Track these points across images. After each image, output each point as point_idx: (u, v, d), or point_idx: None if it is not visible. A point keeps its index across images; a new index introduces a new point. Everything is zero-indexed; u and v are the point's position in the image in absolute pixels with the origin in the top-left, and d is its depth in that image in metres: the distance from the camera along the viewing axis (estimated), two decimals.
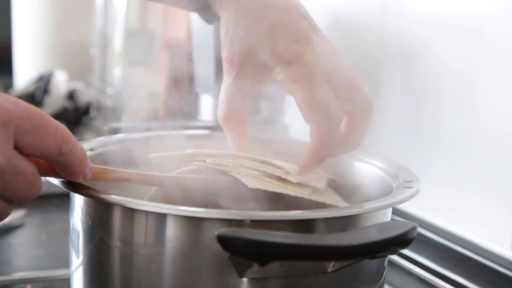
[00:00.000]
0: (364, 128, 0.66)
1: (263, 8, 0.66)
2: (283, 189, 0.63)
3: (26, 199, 0.53)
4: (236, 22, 0.67)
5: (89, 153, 0.68)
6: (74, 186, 0.58)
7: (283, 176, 0.64)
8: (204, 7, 0.71)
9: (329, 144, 0.64)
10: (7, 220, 0.87)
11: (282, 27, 0.65)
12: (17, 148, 0.51)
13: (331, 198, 0.66)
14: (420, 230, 0.87)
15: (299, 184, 0.64)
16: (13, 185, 0.51)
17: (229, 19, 0.67)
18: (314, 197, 0.64)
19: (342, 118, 0.64)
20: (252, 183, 0.63)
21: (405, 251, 0.87)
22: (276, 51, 0.64)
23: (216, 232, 0.49)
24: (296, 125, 1.03)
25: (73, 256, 0.62)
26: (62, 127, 0.54)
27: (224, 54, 0.68)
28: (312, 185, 0.65)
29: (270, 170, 0.64)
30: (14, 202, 0.53)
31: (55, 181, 0.58)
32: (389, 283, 0.82)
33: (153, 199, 0.66)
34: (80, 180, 0.57)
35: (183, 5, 0.75)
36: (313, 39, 0.65)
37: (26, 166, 0.52)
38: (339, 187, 0.69)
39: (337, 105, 0.63)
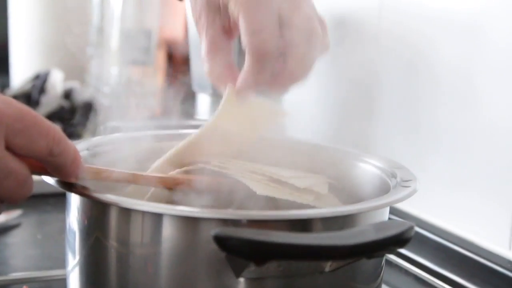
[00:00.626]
0: (305, 55, 0.66)
1: None
2: (289, 196, 0.63)
3: (17, 198, 0.53)
4: None
5: (85, 152, 0.68)
6: (70, 186, 0.58)
7: (289, 181, 0.64)
8: None
9: (262, 69, 0.64)
10: (3, 220, 0.87)
11: None
12: (8, 148, 0.51)
13: (333, 204, 0.66)
14: (418, 229, 0.87)
15: (304, 190, 0.64)
16: (4, 185, 0.51)
17: None
18: (317, 204, 0.64)
19: (278, 45, 0.64)
20: (260, 189, 0.62)
21: (403, 250, 0.87)
22: None
23: (212, 232, 0.49)
24: (294, 124, 1.03)
25: (70, 256, 0.62)
26: (54, 128, 0.53)
27: (194, 17, 0.69)
28: (315, 190, 0.65)
29: (275, 175, 0.64)
30: (5, 201, 0.53)
31: (50, 180, 0.58)
32: (387, 283, 0.81)
33: (153, 198, 0.65)
34: (73, 180, 0.56)
35: None
36: None
37: (17, 166, 0.52)
38: (336, 186, 0.69)
39: (274, 32, 0.64)
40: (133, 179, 0.63)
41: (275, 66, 0.65)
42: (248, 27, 0.63)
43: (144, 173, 0.64)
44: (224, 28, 0.68)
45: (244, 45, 0.64)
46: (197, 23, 0.69)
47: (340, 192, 0.69)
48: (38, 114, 0.53)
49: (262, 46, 0.63)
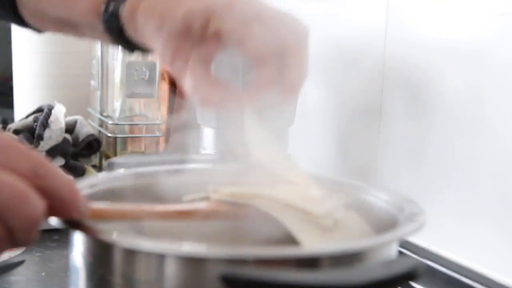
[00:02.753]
0: (297, 64, 0.67)
1: None
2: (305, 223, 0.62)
3: (21, 218, 0.50)
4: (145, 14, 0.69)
5: (89, 190, 0.68)
6: (73, 224, 0.57)
7: (305, 206, 0.63)
8: (120, 37, 0.74)
9: (261, 83, 0.65)
10: (6, 257, 0.87)
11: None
12: None
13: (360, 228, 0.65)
14: (428, 261, 0.86)
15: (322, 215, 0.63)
16: None
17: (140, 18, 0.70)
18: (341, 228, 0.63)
19: (270, 56, 0.65)
20: (280, 215, 0.61)
21: (413, 284, 0.86)
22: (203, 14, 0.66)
23: (220, 272, 0.49)
24: (300, 156, 1.02)
25: None
26: (35, 152, 0.53)
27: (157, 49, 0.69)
28: (334, 216, 0.63)
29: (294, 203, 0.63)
30: (9, 223, 0.50)
31: (55, 219, 0.57)
32: None
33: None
34: (75, 215, 0.55)
35: (98, 37, 0.76)
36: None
37: (7, 178, 0.50)
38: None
39: (264, 43, 0.64)
40: (145, 215, 0.62)
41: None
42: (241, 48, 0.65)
43: (156, 208, 0.63)
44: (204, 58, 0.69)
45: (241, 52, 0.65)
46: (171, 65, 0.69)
47: None
48: (17, 140, 0.52)
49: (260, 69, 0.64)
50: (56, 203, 0.53)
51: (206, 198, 0.65)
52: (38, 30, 0.83)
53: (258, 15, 0.66)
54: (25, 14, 0.80)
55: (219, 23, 0.66)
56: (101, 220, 0.59)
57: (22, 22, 0.82)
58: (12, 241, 0.51)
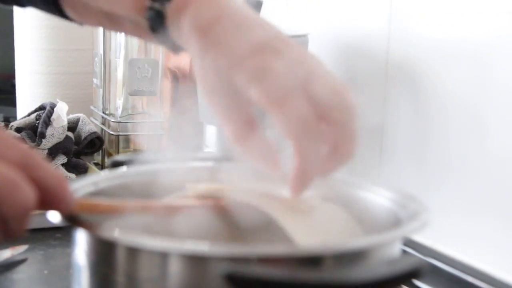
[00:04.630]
0: (352, 136, 0.61)
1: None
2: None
3: (13, 207, 0.50)
4: (201, 54, 0.63)
5: (92, 188, 0.68)
6: (76, 221, 0.57)
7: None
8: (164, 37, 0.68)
9: (314, 161, 0.60)
10: (8, 255, 0.87)
11: (242, 43, 0.61)
12: None
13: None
14: (431, 260, 0.86)
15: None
16: None
17: (195, 51, 0.64)
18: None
19: (323, 131, 0.60)
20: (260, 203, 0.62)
21: (417, 282, 0.86)
22: (243, 69, 0.60)
23: (224, 271, 0.49)
24: None
25: None
26: (25, 144, 0.53)
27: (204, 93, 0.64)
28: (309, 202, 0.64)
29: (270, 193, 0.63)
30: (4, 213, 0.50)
31: (57, 217, 0.57)
32: None
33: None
34: (63, 208, 0.55)
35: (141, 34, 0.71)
36: (279, 47, 0.61)
37: None
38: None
39: (316, 118, 0.59)
40: (138, 209, 0.62)
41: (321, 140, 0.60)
42: (289, 125, 0.58)
43: (149, 203, 0.63)
44: (238, 109, 0.63)
45: (286, 138, 0.59)
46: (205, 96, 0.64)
47: None
48: (4, 130, 0.52)
49: (296, 115, 0.58)
50: (45, 195, 0.53)
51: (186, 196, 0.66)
52: (78, 22, 0.79)
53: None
54: (65, 5, 0.75)
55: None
56: (89, 213, 0.60)
57: (61, 13, 0.78)
58: (4, 231, 0.51)
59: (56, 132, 1.18)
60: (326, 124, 0.60)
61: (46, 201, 0.54)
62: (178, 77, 1.34)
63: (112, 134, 1.30)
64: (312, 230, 0.63)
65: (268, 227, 0.63)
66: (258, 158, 0.64)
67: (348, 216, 0.67)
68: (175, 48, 0.70)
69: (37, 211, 0.53)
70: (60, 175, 0.55)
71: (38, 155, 0.53)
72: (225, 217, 0.65)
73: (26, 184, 0.51)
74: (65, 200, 0.55)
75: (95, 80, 1.38)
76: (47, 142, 1.17)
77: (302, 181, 0.61)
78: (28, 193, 0.51)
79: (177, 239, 0.61)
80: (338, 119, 0.60)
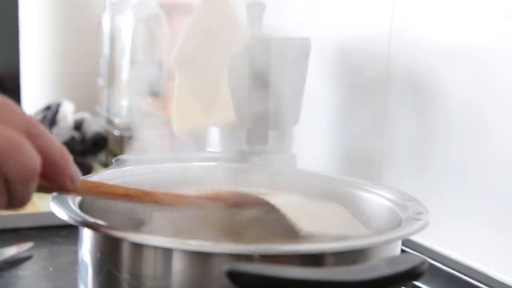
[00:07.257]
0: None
1: None
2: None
3: (17, 167, 0.49)
4: None
5: None
6: (83, 220, 0.58)
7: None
8: None
9: None
10: (14, 252, 0.87)
11: None
12: None
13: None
14: (431, 261, 0.86)
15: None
16: None
17: None
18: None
19: None
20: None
21: (415, 282, 0.86)
22: None
23: (225, 268, 0.49)
24: (305, 155, 1.03)
25: None
26: (30, 116, 0.52)
27: None
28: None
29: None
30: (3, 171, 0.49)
31: (63, 216, 0.58)
32: None
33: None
34: (68, 183, 0.54)
35: None
36: None
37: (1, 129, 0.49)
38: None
39: None
40: (138, 195, 0.63)
41: None
42: None
43: (150, 190, 0.64)
44: None
45: None
46: None
47: None
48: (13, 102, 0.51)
49: None
50: (48, 166, 0.52)
51: None
52: None
53: None
54: None
55: None
56: (91, 194, 0.60)
57: None
58: (10, 194, 0.50)
59: (61, 132, 1.19)
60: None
61: (50, 175, 0.53)
62: None
63: (117, 134, 1.30)
64: (314, 218, 0.64)
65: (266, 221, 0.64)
66: None
67: (348, 212, 0.68)
68: None
69: (42, 210, 0.54)
70: (63, 148, 0.54)
71: (43, 126, 0.52)
72: (226, 210, 0.66)
73: (30, 147, 0.50)
74: (70, 176, 0.54)
75: (100, 81, 1.39)
76: None
77: None
78: (32, 156, 0.50)
79: (178, 233, 0.62)
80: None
